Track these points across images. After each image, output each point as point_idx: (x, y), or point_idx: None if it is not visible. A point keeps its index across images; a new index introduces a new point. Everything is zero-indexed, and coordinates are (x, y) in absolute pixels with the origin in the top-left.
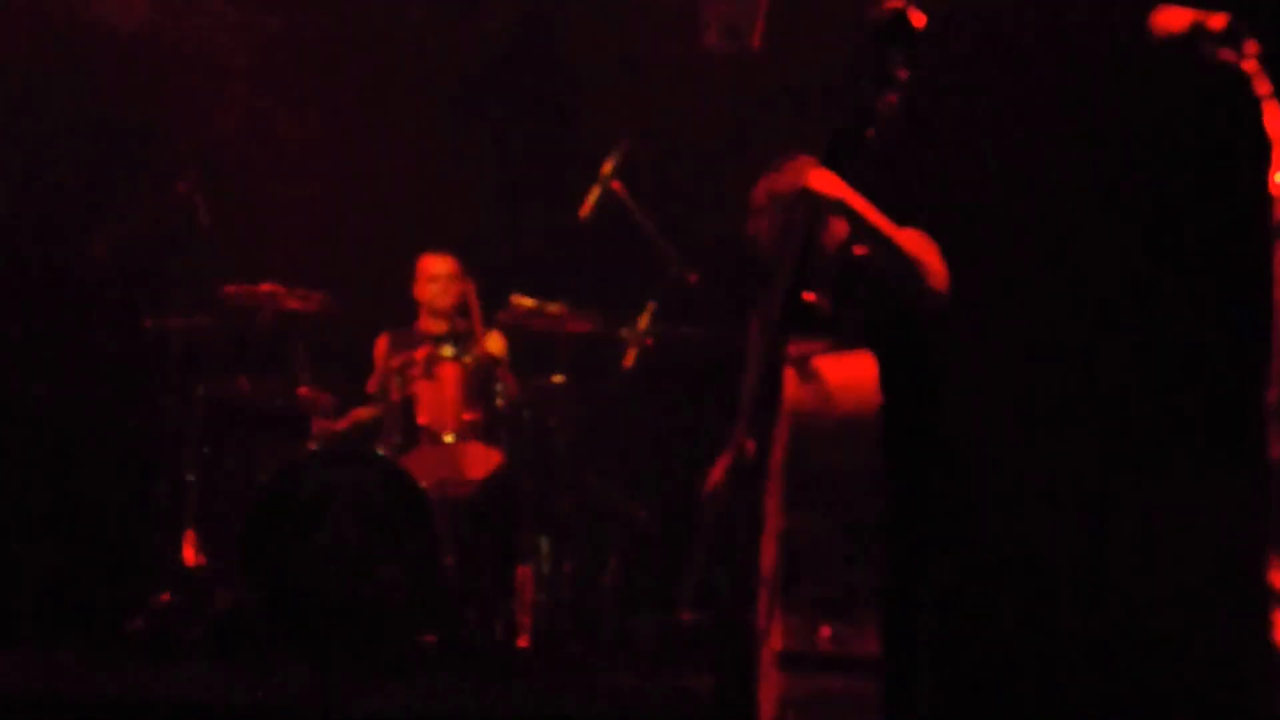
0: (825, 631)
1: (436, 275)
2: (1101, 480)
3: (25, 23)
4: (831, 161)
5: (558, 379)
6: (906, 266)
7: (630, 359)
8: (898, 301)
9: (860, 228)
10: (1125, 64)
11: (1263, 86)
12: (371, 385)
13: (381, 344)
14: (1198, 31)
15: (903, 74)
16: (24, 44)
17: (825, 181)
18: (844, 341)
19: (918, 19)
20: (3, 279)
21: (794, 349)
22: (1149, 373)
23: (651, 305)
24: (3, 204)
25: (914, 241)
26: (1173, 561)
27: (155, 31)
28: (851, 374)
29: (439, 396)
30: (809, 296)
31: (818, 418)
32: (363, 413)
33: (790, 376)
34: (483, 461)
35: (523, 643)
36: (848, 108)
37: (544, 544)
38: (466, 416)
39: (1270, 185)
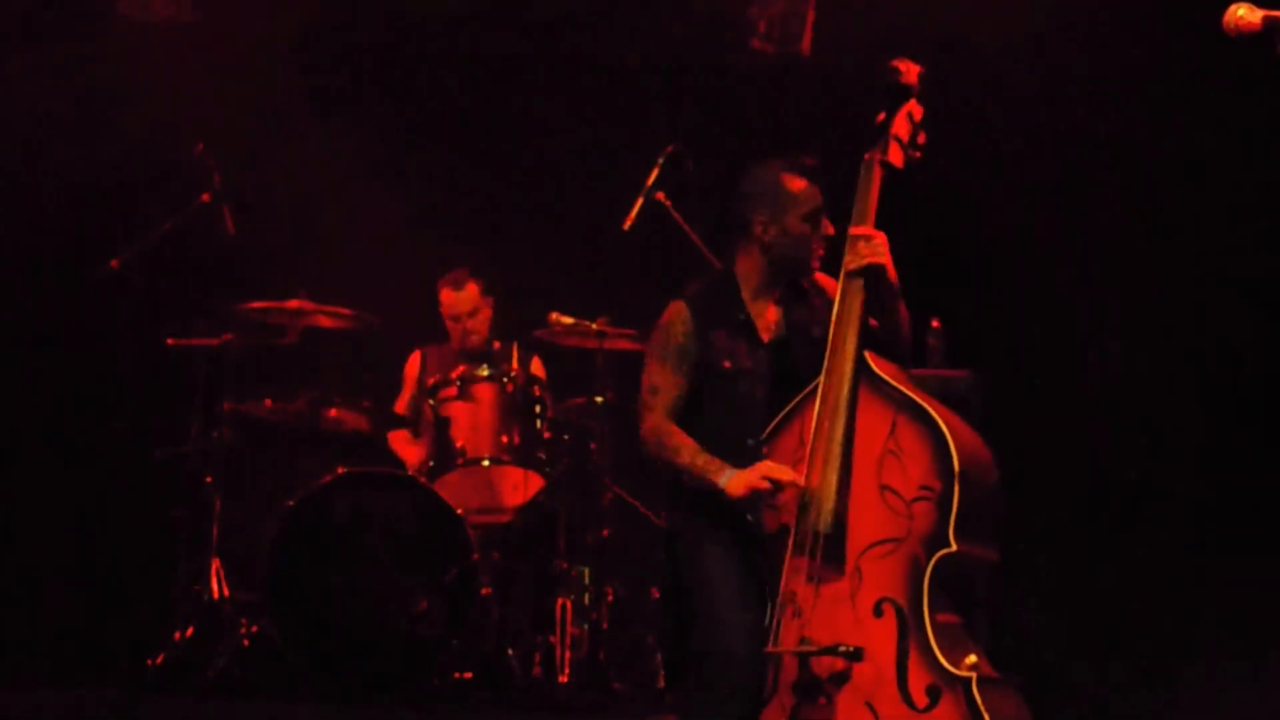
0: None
1: (459, 314)
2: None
3: (43, 29)
4: None
5: (599, 399)
6: (898, 333)
7: None
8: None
9: (886, 293)
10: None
11: None
12: (400, 405)
13: (413, 361)
14: (1273, 28)
15: None
16: (41, 53)
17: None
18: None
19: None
20: (18, 295)
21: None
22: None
23: None
24: (21, 218)
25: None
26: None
27: (179, 39)
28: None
29: (475, 418)
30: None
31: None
32: (401, 442)
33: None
34: (521, 486)
35: (563, 678)
36: None
37: (585, 573)
38: (504, 439)
39: None
